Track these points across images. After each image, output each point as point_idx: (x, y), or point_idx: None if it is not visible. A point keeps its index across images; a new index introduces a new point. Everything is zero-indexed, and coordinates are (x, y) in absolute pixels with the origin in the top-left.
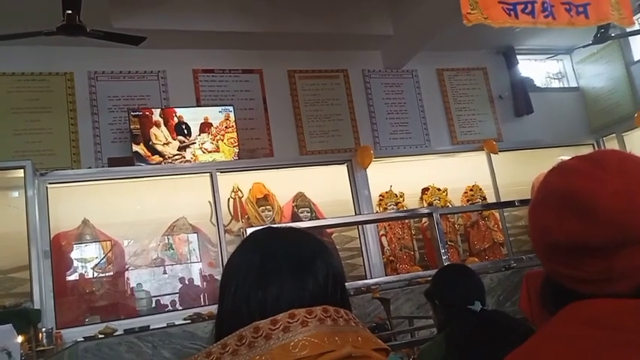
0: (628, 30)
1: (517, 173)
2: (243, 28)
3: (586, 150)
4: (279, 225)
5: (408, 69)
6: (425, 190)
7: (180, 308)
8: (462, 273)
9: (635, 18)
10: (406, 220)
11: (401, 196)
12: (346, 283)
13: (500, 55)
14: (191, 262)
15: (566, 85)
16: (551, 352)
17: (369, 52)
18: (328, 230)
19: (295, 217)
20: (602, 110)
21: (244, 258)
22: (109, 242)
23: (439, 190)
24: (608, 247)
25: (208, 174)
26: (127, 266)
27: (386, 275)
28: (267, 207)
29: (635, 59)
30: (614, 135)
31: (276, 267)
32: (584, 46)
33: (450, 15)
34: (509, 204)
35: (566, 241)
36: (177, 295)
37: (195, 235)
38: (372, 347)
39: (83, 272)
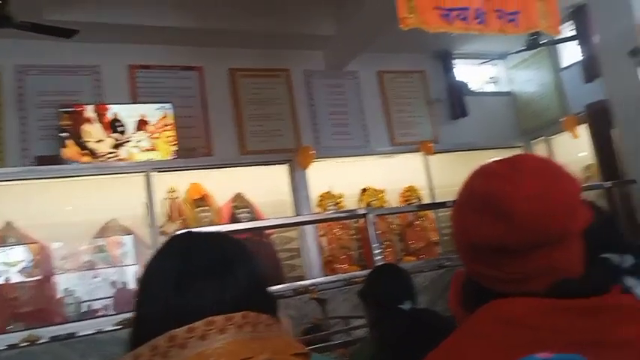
0: (556, 38)
1: (452, 174)
2: (182, 23)
3: (516, 152)
4: (200, 229)
5: (349, 70)
6: (364, 191)
7: (114, 313)
8: (392, 272)
9: (561, 27)
10: (345, 221)
11: (340, 197)
12: (284, 285)
13: (438, 59)
14: (125, 265)
15: (499, 90)
16: (468, 350)
17: (311, 52)
18: (267, 231)
19: (234, 218)
20: (532, 114)
21: (162, 263)
22: (35, 245)
23: (377, 190)
24: (523, 249)
25: (143, 173)
26: (54, 270)
27: (325, 276)
28: (205, 208)
29: (563, 66)
30: (542, 138)
31: (195, 272)
32: (516, 52)
33: (389, 18)
34: (442, 205)
35: (485, 243)
36: (111, 299)
37: (130, 237)
38: (292, 352)
39: (6, 277)
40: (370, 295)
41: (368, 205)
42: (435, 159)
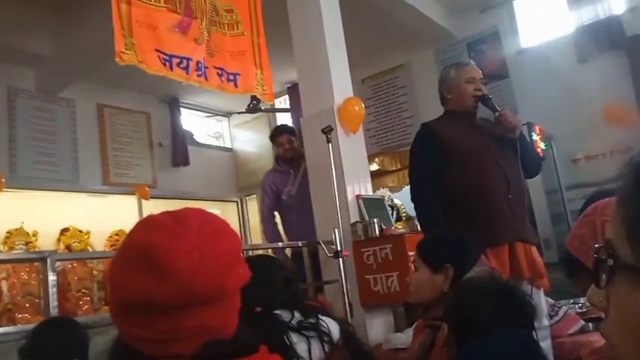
0: (274, 106)
1: None
2: None
3: (232, 206)
4: None
5: (65, 97)
6: (64, 231)
7: None
8: (59, 326)
9: (280, 98)
10: (35, 263)
11: (34, 235)
12: None
13: (165, 104)
14: None
15: (222, 145)
16: None
17: (20, 68)
18: None
19: None
20: (249, 172)
21: None
22: None
23: (81, 231)
24: (174, 307)
25: None
26: None
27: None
28: None
29: None
30: (254, 195)
31: None
32: (238, 113)
33: (110, 49)
34: None
35: (136, 299)
36: None
37: None
38: None
39: None
40: (29, 353)
41: (67, 247)
42: (151, 204)
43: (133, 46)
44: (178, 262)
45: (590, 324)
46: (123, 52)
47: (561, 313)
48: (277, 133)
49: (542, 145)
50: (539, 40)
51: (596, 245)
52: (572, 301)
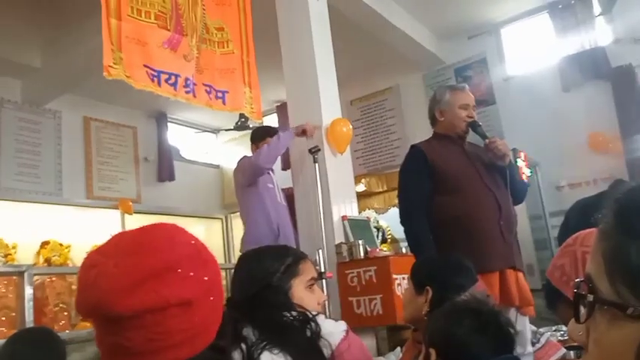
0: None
1: None
2: None
3: (216, 223)
4: None
5: (51, 108)
6: (45, 244)
7: None
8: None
9: (267, 117)
10: (13, 277)
11: (14, 247)
12: None
13: (153, 119)
14: None
15: (209, 162)
16: None
17: (7, 78)
18: None
19: None
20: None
21: None
22: None
23: (62, 245)
24: (93, 320)
25: None
26: None
27: None
28: None
29: None
30: (237, 213)
31: None
32: (226, 130)
33: (99, 63)
34: None
35: None
36: None
37: None
38: None
39: None
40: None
41: (47, 260)
42: (135, 219)
43: (122, 60)
44: (80, 276)
45: (572, 352)
46: (111, 67)
47: (543, 340)
48: (267, 134)
49: (527, 171)
50: (525, 68)
51: (577, 280)
52: (554, 328)
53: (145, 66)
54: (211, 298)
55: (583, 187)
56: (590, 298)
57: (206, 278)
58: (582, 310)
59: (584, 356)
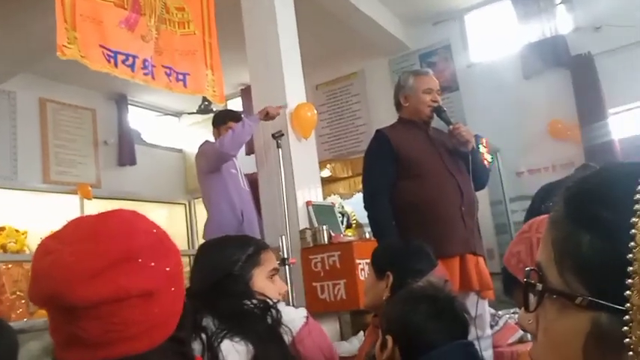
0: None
1: None
2: None
3: (179, 208)
4: None
5: (5, 89)
6: (0, 230)
7: None
8: None
9: (231, 100)
10: None
11: None
12: None
13: (113, 101)
14: None
15: (171, 146)
16: None
17: None
18: None
19: None
20: None
21: None
22: None
23: (18, 231)
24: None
25: None
26: None
27: None
28: None
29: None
30: (201, 199)
31: None
32: (189, 113)
33: (53, 42)
34: None
35: None
36: None
37: None
38: None
39: None
40: None
41: (2, 247)
42: (94, 204)
43: (76, 40)
44: (34, 264)
45: (529, 334)
46: (65, 46)
47: (501, 322)
48: (229, 117)
49: (488, 157)
50: (488, 55)
51: (527, 268)
52: (512, 310)
53: (101, 46)
54: (173, 289)
55: (542, 173)
56: (540, 287)
57: (168, 269)
58: (532, 298)
59: (534, 345)
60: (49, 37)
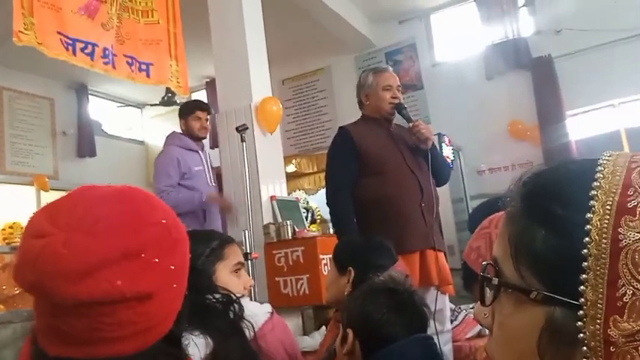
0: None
1: None
2: None
3: None
4: None
5: None
6: None
7: None
8: None
9: (196, 92)
10: None
11: None
12: None
13: (72, 91)
14: None
15: (133, 137)
16: None
17: None
18: None
19: None
20: None
21: None
22: None
23: None
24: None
25: None
26: None
27: None
28: None
29: None
30: None
31: None
32: (152, 105)
33: (10, 28)
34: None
35: None
36: None
37: None
38: None
39: None
40: None
41: None
42: (51, 196)
43: (33, 26)
44: (22, 243)
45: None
46: (21, 32)
47: (460, 317)
48: (197, 107)
49: (451, 155)
50: (452, 55)
51: (484, 262)
52: (471, 305)
53: (59, 33)
54: (174, 286)
55: (502, 172)
56: (496, 281)
57: (173, 267)
58: (488, 292)
59: (489, 339)
60: (6, 23)
